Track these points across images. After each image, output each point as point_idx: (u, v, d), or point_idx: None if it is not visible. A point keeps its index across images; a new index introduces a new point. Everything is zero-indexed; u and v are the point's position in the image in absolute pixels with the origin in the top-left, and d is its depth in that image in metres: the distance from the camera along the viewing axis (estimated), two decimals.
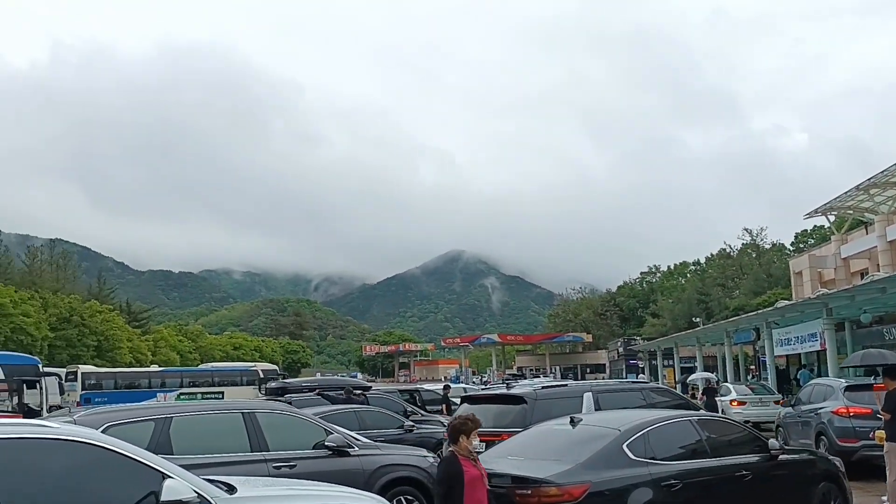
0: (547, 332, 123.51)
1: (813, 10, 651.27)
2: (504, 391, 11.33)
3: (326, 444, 8.63)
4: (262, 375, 53.63)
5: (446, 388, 25.21)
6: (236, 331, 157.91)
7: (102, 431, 7.44)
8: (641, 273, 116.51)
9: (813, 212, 46.10)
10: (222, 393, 48.33)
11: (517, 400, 10.72)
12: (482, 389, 25.02)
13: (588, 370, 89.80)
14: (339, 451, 8.69)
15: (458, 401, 28.24)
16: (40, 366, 30.82)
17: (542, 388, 11.03)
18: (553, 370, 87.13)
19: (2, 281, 62.60)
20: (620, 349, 78.71)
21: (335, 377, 37.12)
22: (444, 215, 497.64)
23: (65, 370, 45.32)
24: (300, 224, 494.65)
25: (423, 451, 10.12)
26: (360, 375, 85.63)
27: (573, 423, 7.72)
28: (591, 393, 11.10)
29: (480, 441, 11.17)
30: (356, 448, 8.92)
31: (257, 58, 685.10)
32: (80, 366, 49.45)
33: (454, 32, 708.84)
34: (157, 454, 7.82)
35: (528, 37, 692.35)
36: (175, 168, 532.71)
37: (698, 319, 62.47)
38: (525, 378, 62.86)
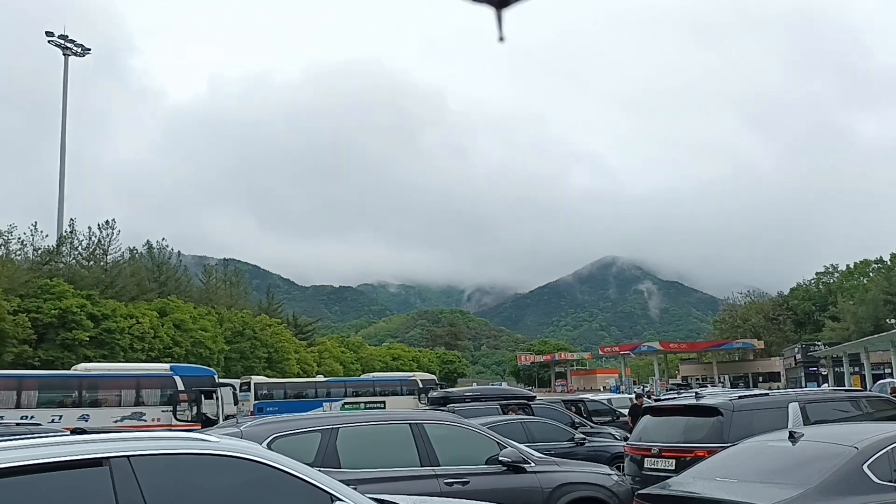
0: (711, 338, 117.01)
1: None
2: (693, 401, 10.07)
3: (500, 458, 7.86)
4: (420, 385, 54.13)
5: (639, 397, 23.55)
6: (394, 342, 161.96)
7: (269, 443, 7.09)
8: (817, 273, 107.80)
9: None
10: (384, 402, 49.16)
11: (711, 411, 9.49)
12: (655, 400, 23.30)
13: (760, 379, 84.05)
14: (515, 467, 7.90)
15: (625, 412, 26.80)
16: (216, 377, 32.53)
17: (740, 397, 9.71)
18: (721, 379, 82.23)
19: (182, 298, 67.36)
20: (798, 356, 72.86)
21: (490, 386, 36.53)
22: (597, 220, 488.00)
23: (239, 381, 47.75)
24: (452, 236, 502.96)
25: (606, 468, 9.13)
26: (503, 384, 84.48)
27: (793, 438, 6.48)
28: (796, 403, 9.63)
29: (669, 458, 10.05)
30: (532, 464, 8.09)
31: (403, 72, 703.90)
32: (252, 376, 51.98)
33: (594, 29, 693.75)
34: (323, 468, 7.41)
35: (673, 25, 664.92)
36: (333, 188, 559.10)
37: (894, 321, 56.46)
38: (690, 388, 59.52)
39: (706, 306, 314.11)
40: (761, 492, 5.78)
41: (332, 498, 4.02)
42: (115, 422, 27.55)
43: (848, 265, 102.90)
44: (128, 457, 3.74)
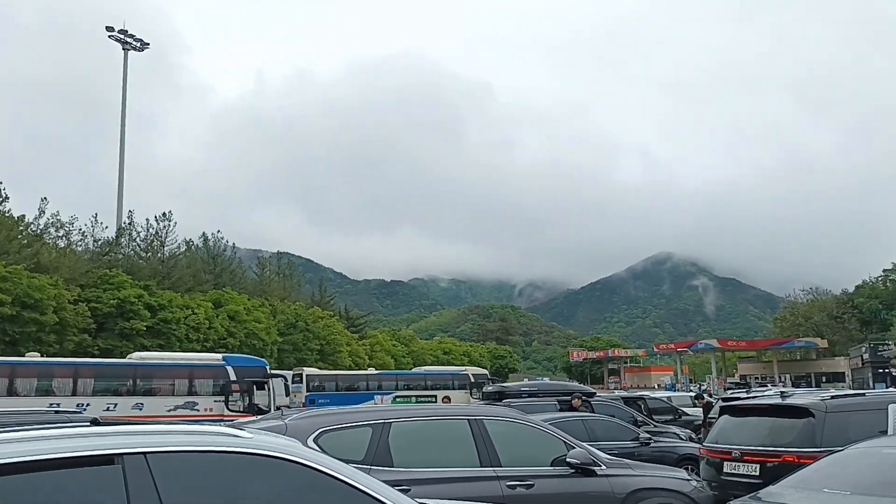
0: (770, 336, 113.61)
1: None
2: (780, 401, 9.15)
3: (568, 460, 7.11)
4: (472, 380, 53.55)
5: (699, 398, 22.47)
6: (445, 336, 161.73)
7: (315, 438, 6.46)
8: (884, 270, 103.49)
9: None
10: (435, 396, 48.70)
11: (801, 412, 8.57)
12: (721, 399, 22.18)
13: (823, 379, 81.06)
14: (584, 470, 7.14)
15: (687, 410, 25.69)
16: (268, 368, 32.39)
17: (833, 397, 8.76)
18: (782, 379, 79.61)
19: (237, 290, 68.01)
20: (865, 355, 69.88)
21: (543, 381, 35.62)
22: (649, 214, 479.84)
23: (291, 372, 47.84)
24: (503, 230, 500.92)
25: (682, 473, 8.30)
26: (545, 379, 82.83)
27: None
28: None
29: (752, 462, 9.16)
30: (603, 466, 7.31)
31: (446, 65, 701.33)
32: (304, 368, 52.12)
33: (637, 14, 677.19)
34: (374, 466, 6.75)
35: (721, 3, 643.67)
36: (383, 183, 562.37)
37: None
38: (749, 387, 57.54)
39: (764, 304, 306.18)
40: None
41: None
42: (168, 410, 27.63)
43: None
44: (144, 453, 3.15)
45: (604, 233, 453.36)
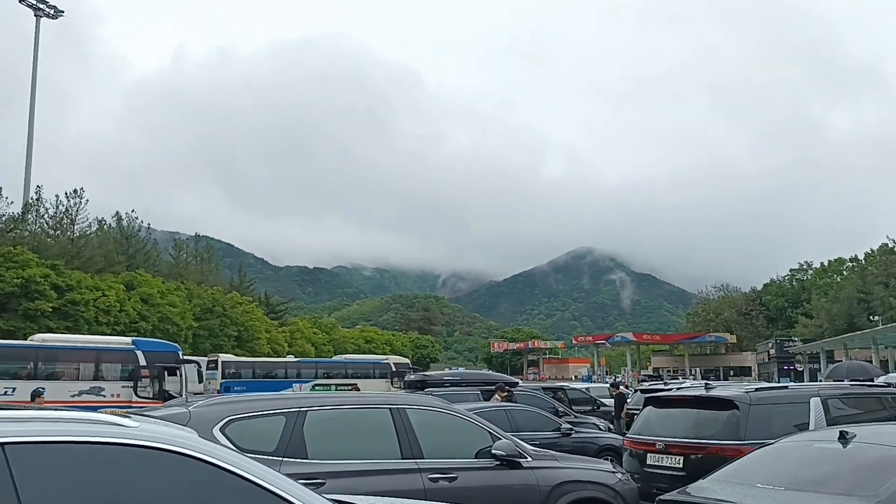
0: (683, 331, 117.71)
1: None
2: (704, 393, 9.09)
3: (494, 452, 6.79)
4: (394, 369, 53.17)
5: (615, 386, 22.64)
6: (367, 325, 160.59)
7: (222, 427, 5.91)
8: (791, 270, 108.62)
9: None
10: (356, 385, 48.08)
11: (725, 404, 8.51)
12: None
13: (731, 373, 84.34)
14: (510, 462, 6.84)
15: (605, 401, 25.94)
16: (180, 353, 31.15)
17: (757, 389, 8.75)
18: (693, 372, 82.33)
19: (151, 273, 65.49)
20: (772, 351, 72.91)
21: (474, 371, 35.57)
22: (572, 210, 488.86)
23: (206, 359, 46.37)
24: (429, 221, 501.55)
25: (608, 465, 8.10)
26: (461, 369, 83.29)
27: (844, 439, 5.47)
28: (818, 398, 8.73)
29: (676, 454, 9.07)
30: (529, 458, 7.02)
31: (375, 52, 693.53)
32: (220, 354, 50.61)
33: (568, 15, 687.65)
34: (287, 458, 6.25)
35: (646, 12, 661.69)
36: (308, 167, 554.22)
37: (877, 318, 56.48)
38: (661, 379, 59.14)
39: (677, 299, 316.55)
40: None
41: None
42: (73, 396, 26.21)
43: (822, 262, 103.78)
44: (1, 444, 2.61)
45: (528, 227, 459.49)
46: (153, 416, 5.05)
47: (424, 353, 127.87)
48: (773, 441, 6.54)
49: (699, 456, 8.29)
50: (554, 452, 7.84)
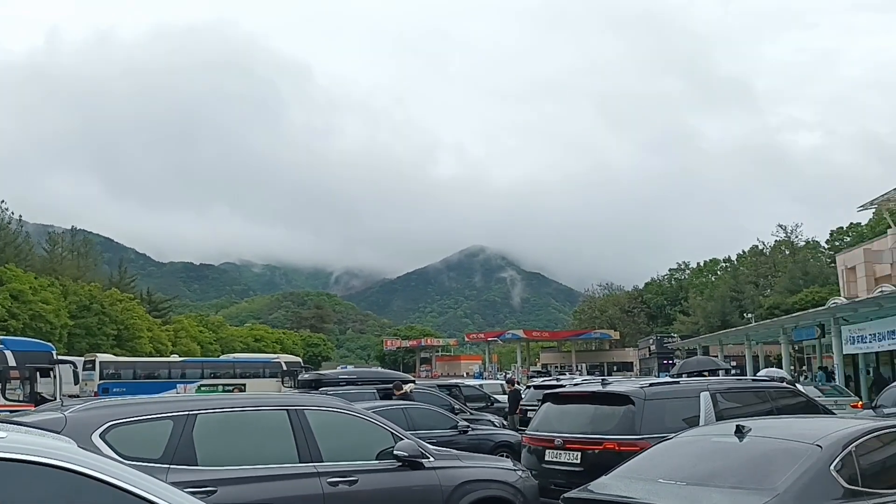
0: (570, 328, 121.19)
1: (829, 3, 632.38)
2: (601, 388, 9.23)
3: (396, 453, 6.59)
4: (284, 368, 52.00)
5: (511, 382, 22.83)
6: (257, 323, 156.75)
7: (102, 434, 5.44)
8: (670, 270, 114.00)
9: (868, 203, 43.60)
10: (244, 385, 46.68)
11: (621, 399, 8.66)
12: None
13: (615, 368, 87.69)
14: (412, 463, 6.67)
15: (499, 398, 26.24)
16: (54, 353, 29.18)
17: (651, 385, 8.95)
18: (580, 367, 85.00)
19: (22, 268, 61.36)
20: (652, 347, 76.23)
21: (369, 370, 35.21)
22: (464, 209, 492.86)
23: (83, 359, 43.84)
24: (320, 217, 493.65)
25: (508, 463, 8.07)
26: (350, 367, 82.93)
27: (740, 433, 5.61)
28: (707, 392, 9.04)
29: (574, 450, 9.16)
30: (431, 458, 6.88)
31: (262, 41, 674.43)
32: (98, 354, 47.97)
33: (462, 15, 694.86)
34: (174, 465, 5.82)
35: (538, 18, 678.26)
36: (194, 158, 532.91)
37: (750, 315, 59.92)
38: (550, 375, 60.73)
39: (564, 297, 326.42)
40: (720, 498, 4.85)
41: None
42: None
43: (698, 263, 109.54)
44: None
45: (421, 224, 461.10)
46: (24, 423, 4.55)
47: (316, 351, 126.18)
48: (667, 435, 6.66)
49: (596, 451, 8.39)
50: (457, 451, 7.74)
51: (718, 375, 15.61)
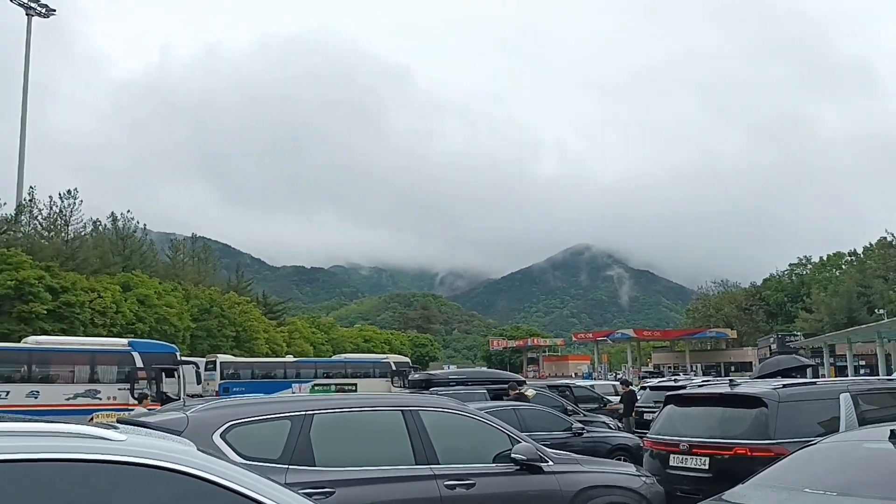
0: (682, 327, 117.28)
1: None
2: (729, 389, 8.67)
3: (514, 456, 6.36)
4: (394, 368, 52.69)
5: (625, 384, 22.15)
6: (365, 324, 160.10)
7: (223, 434, 5.46)
8: (790, 265, 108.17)
9: None
10: (355, 385, 47.63)
11: (752, 402, 8.09)
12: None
13: (732, 368, 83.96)
14: (530, 467, 6.41)
15: (611, 398, 25.53)
16: (178, 354, 30.66)
17: (784, 386, 8.32)
18: (694, 368, 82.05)
19: (148, 273, 64.94)
20: (773, 346, 72.57)
21: (474, 370, 35.16)
22: (568, 206, 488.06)
23: (204, 359, 45.87)
24: (424, 219, 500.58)
25: (632, 468, 7.69)
26: (452, 367, 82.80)
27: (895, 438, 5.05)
28: (848, 393, 8.31)
29: (701, 455, 8.65)
30: (551, 462, 6.60)
31: (364, 47, 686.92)
32: (218, 355, 50.11)
33: (557, 10, 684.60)
34: (293, 466, 5.81)
35: (633, 7, 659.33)
36: (301, 165, 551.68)
37: (881, 311, 56.13)
38: (662, 375, 58.80)
39: (675, 295, 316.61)
40: None
41: None
42: (68, 399, 25.73)
43: (821, 257, 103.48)
44: None
45: (523, 223, 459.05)
46: (148, 423, 4.61)
47: (423, 351, 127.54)
48: (803, 440, 6.13)
49: (726, 457, 7.88)
50: (577, 455, 7.42)
51: (805, 374, 14.45)
